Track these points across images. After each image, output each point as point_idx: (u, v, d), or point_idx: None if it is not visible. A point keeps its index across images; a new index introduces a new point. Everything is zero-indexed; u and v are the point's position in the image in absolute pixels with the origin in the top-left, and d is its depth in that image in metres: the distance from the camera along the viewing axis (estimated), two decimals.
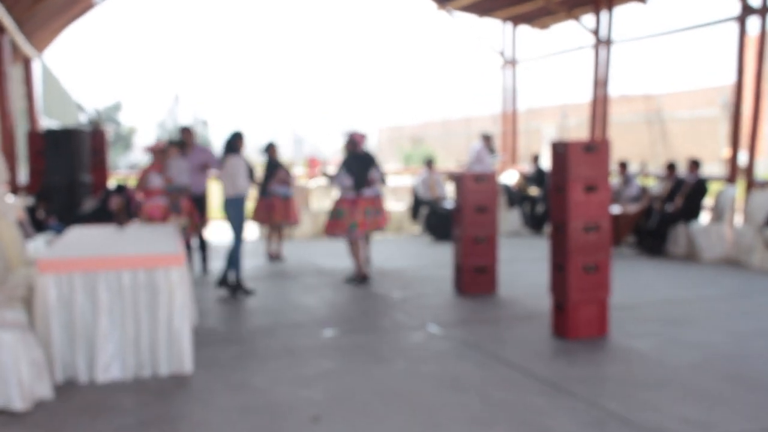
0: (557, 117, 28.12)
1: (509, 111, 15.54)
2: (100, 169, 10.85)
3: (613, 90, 13.49)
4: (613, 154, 5.72)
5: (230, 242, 7.31)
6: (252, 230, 11.56)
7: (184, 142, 8.16)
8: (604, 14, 12.42)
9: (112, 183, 10.75)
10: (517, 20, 14.47)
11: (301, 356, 5.23)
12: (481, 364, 5.00)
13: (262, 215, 9.61)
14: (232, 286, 7.34)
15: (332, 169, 8.11)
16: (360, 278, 7.99)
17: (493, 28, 16.21)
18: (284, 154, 14.60)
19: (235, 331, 6.03)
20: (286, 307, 6.96)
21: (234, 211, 7.20)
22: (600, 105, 12.79)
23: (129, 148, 46.22)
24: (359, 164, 7.88)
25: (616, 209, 9.91)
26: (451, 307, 6.91)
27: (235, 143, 7.31)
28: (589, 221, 5.55)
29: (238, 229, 7.22)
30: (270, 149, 9.54)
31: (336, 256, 9.80)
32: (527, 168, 13.31)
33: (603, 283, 5.63)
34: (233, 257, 7.25)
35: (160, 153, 7.37)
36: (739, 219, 9.57)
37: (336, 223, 7.91)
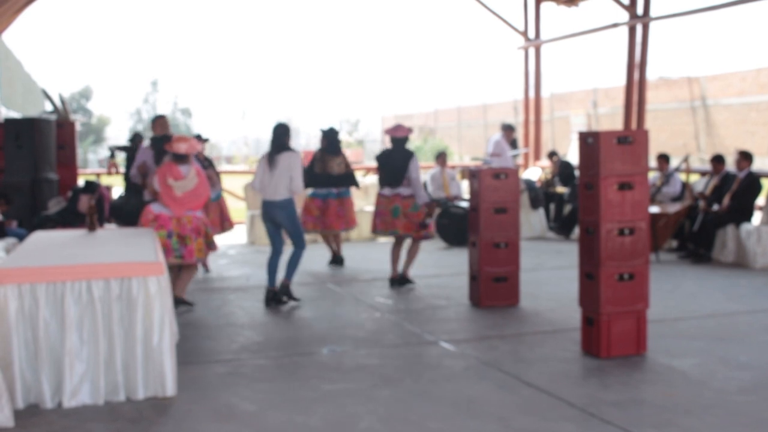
0: (587, 104, 28.09)
1: (532, 98, 15.54)
2: (68, 165, 10.89)
3: (651, 73, 13.48)
4: (651, 146, 5.70)
5: (277, 248, 7.58)
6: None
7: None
8: None
9: (81, 181, 10.80)
10: None
11: (297, 377, 5.23)
12: (501, 385, 5.00)
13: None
14: (274, 292, 7.53)
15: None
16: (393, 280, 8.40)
17: (514, 4, 16.23)
18: None
19: (222, 348, 6.04)
20: (279, 321, 6.97)
21: (291, 214, 7.46)
22: (636, 90, 12.78)
23: (101, 142, 46.29)
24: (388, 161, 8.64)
25: (654, 209, 9.90)
26: (466, 320, 6.92)
27: (284, 138, 7.49)
28: (624, 223, 5.54)
29: (299, 232, 7.54)
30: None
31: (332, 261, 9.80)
32: (552, 163, 13.31)
33: (640, 294, 5.62)
34: (293, 262, 7.57)
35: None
36: None
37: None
